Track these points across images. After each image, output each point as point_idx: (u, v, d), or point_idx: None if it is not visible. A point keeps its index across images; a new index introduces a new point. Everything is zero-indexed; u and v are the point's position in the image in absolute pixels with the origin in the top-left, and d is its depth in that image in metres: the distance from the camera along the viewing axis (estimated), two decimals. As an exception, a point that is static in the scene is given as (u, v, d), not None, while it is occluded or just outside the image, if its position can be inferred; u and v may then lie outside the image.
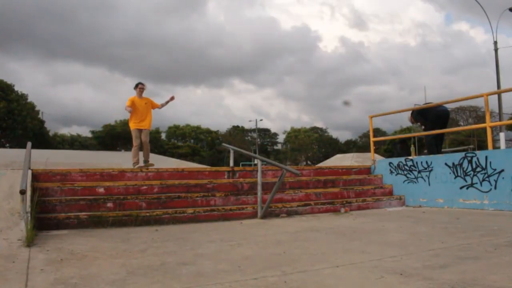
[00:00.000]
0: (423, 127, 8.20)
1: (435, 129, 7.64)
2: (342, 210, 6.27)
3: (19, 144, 31.60)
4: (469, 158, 6.22)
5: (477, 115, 39.82)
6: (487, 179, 5.93)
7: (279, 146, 71.10)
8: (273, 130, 70.07)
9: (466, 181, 6.22)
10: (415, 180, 7.06)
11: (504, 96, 18.16)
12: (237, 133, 63.58)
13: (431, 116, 7.82)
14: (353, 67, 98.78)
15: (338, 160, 14.43)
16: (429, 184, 6.79)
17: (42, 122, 40.89)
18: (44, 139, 38.46)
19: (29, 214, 3.95)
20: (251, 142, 62.38)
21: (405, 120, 8.51)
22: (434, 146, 7.75)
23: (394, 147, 8.90)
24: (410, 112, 8.35)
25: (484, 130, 9.66)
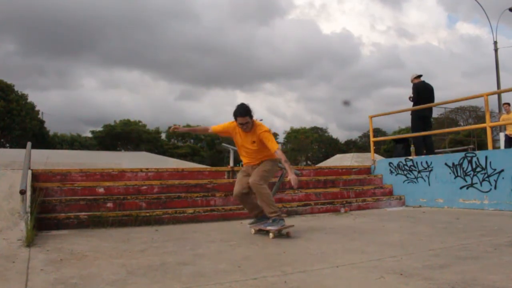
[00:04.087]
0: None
1: (417, 128, 8.04)
2: (342, 210, 6.27)
3: (19, 144, 31.61)
4: (469, 158, 6.22)
5: (477, 115, 39.85)
6: (487, 179, 5.93)
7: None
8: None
9: (466, 181, 6.22)
10: (415, 180, 7.06)
11: (504, 96, 18.14)
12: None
13: (413, 117, 8.28)
14: (383, 71, 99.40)
15: (338, 160, 14.42)
16: (429, 184, 6.79)
17: (42, 122, 40.89)
18: (44, 139, 38.46)
19: (29, 214, 3.95)
20: (251, 142, 62.26)
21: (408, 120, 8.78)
22: (421, 145, 8.16)
23: (395, 147, 8.93)
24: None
25: (484, 130, 9.67)
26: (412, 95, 8.37)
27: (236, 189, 4.30)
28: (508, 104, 11.25)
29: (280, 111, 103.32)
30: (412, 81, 8.47)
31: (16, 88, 38.06)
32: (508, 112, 10.98)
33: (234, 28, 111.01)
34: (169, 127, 5.68)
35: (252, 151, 4.36)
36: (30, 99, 39.57)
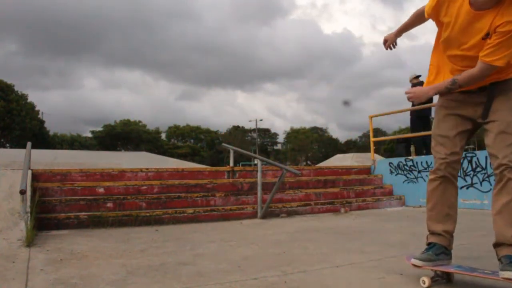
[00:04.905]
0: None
1: (417, 128, 8.16)
2: (342, 210, 6.27)
3: (19, 144, 31.63)
4: (469, 158, 6.22)
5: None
6: (487, 179, 5.93)
7: (279, 146, 71.20)
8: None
9: (466, 181, 6.22)
10: (415, 180, 7.06)
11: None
12: (237, 133, 63.59)
13: (413, 118, 8.41)
14: (383, 71, 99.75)
15: (338, 160, 14.40)
16: (429, 184, 6.79)
17: (42, 122, 40.91)
18: (44, 139, 38.47)
19: (29, 214, 3.95)
20: (251, 142, 62.40)
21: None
22: (421, 145, 8.23)
23: (397, 147, 8.96)
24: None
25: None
26: None
27: (445, 161, 2.17)
28: None
29: (280, 111, 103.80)
30: (410, 81, 8.50)
31: (17, 88, 38.21)
32: None
33: (235, 28, 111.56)
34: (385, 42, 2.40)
35: (471, 57, 2.01)
36: (31, 99, 39.73)
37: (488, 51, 1.90)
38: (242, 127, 66.84)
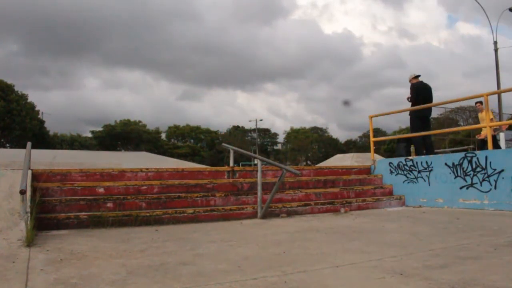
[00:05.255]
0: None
1: (417, 128, 8.05)
2: (342, 210, 6.27)
3: (19, 144, 31.63)
4: (469, 158, 6.22)
5: (477, 115, 39.89)
6: (487, 179, 5.93)
7: (279, 146, 71.21)
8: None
9: (466, 181, 6.22)
10: (415, 180, 7.06)
11: (504, 96, 18.17)
12: (237, 133, 63.60)
13: (412, 118, 8.31)
14: (384, 71, 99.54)
15: (338, 160, 14.42)
16: (429, 184, 6.79)
17: (42, 122, 40.88)
18: (44, 139, 38.45)
19: (29, 214, 3.95)
20: (251, 142, 62.40)
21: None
22: (421, 145, 8.17)
23: (398, 147, 8.95)
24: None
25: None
26: (410, 96, 8.41)
27: None
28: (481, 102, 10.73)
29: (280, 111, 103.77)
30: (410, 81, 8.50)
31: (18, 88, 38.18)
32: (482, 111, 10.41)
33: (236, 28, 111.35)
34: None
35: None
36: (32, 99, 39.68)
37: None
38: (242, 127, 66.88)
